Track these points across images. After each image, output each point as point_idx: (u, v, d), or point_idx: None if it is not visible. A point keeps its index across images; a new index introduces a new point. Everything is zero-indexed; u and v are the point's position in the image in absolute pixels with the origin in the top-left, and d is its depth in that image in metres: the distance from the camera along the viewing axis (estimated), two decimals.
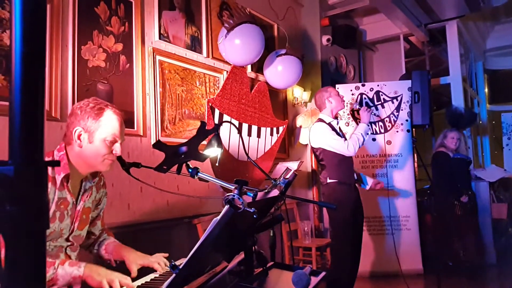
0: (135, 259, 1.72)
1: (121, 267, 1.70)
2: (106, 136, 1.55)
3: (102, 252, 1.83)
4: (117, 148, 1.59)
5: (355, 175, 3.43)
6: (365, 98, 4.79)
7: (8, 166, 0.50)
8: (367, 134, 3.34)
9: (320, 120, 3.38)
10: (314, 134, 3.33)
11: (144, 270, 1.72)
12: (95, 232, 1.87)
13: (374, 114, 3.47)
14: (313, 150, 3.42)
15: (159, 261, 1.73)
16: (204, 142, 1.61)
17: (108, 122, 1.56)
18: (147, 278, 1.64)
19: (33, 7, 0.53)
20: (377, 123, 4.75)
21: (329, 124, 3.32)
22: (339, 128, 3.42)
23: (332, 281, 3.16)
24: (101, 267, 1.55)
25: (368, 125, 3.40)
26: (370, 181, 3.61)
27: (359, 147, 3.23)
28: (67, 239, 1.65)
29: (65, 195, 1.58)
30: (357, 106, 3.44)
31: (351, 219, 3.20)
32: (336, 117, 3.44)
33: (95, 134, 1.55)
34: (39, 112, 0.53)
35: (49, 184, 1.53)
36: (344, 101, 3.51)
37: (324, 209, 3.50)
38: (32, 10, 0.53)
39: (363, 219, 3.47)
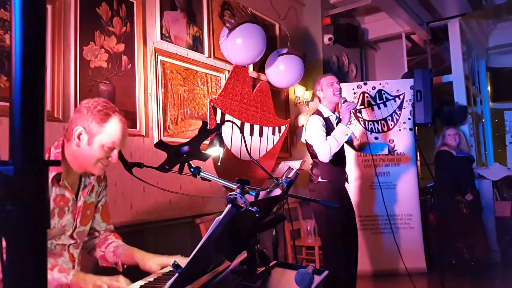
0: (152, 259, 1.68)
1: (127, 273, 1.63)
2: (106, 143, 1.54)
3: (109, 254, 1.76)
4: (113, 155, 1.58)
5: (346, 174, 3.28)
6: (367, 97, 4.79)
7: (8, 166, 0.50)
8: (346, 135, 2.99)
9: (317, 112, 3.15)
10: (307, 127, 3.13)
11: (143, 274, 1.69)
12: (97, 228, 1.82)
13: (356, 110, 3.18)
14: (307, 145, 3.18)
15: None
16: (206, 142, 1.62)
17: (111, 130, 1.54)
18: (150, 278, 1.63)
19: (32, 8, 0.53)
20: (379, 122, 4.74)
21: (327, 119, 3.10)
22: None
23: (328, 282, 3.03)
24: (89, 274, 1.50)
25: (348, 126, 3.02)
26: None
27: (333, 153, 2.94)
28: (71, 236, 1.64)
29: (63, 192, 1.58)
30: (342, 101, 3.16)
31: (342, 219, 3.05)
32: (334, 111, 3.18)
33: (95, 138, 1.53)
34: (40, 112, 0.53)
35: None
36: (338, 94, 3.12)
37: (314, 210, 3.24)
38: (32, 11, 0.53)
39: (355, 219, 3.26)
